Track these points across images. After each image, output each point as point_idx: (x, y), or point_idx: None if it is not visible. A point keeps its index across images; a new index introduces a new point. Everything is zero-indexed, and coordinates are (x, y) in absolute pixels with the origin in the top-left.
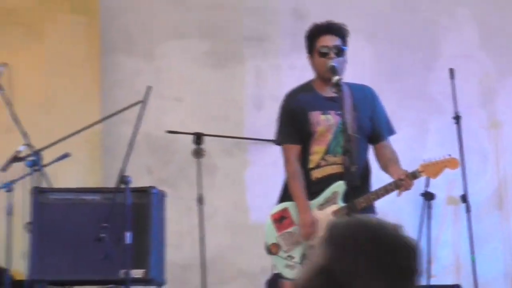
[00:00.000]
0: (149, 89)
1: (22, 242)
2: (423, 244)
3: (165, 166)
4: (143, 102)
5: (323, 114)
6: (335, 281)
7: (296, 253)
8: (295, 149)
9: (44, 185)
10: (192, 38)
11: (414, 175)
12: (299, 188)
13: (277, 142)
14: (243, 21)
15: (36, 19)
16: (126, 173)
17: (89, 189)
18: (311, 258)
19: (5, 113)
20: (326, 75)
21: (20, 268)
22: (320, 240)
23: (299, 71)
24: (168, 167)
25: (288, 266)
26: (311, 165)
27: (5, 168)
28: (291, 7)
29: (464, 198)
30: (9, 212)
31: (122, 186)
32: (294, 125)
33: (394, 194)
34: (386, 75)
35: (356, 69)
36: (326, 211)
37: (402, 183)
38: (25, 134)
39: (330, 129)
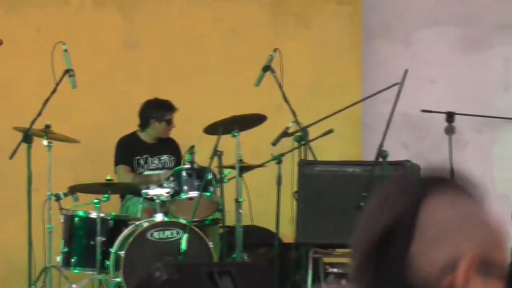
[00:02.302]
0: (406, 72)
1: (290, 209)
2: None
3: (419, 142)
4: (400, 84)
5: None
6: None
7: None
8: None
9: (309, 158)
10: (446, 26)
11: None
12: None
13: None
14: (494, 10)
15: (304, 9)
16: (384, 148)
17: (350, 162)
18: None
19: (277, 93)
20: None
21: (287, 232)
22: None
23: None
24: (423, 142)
25: None
26: None
27: (275, 142)
28: None
29: None
30: (279, 182)
31: (380, 159)
32: None
33: None
34: None
35: None
36: None
37: None
38: (293, 112)
39: None
